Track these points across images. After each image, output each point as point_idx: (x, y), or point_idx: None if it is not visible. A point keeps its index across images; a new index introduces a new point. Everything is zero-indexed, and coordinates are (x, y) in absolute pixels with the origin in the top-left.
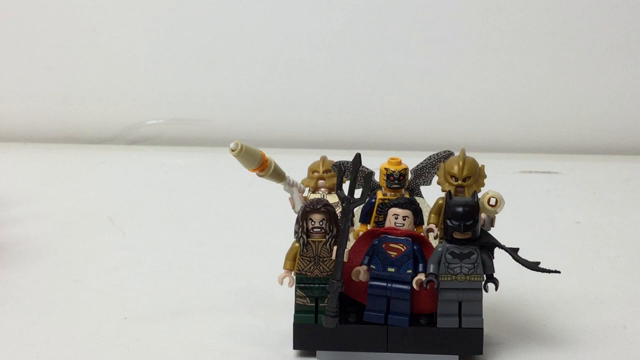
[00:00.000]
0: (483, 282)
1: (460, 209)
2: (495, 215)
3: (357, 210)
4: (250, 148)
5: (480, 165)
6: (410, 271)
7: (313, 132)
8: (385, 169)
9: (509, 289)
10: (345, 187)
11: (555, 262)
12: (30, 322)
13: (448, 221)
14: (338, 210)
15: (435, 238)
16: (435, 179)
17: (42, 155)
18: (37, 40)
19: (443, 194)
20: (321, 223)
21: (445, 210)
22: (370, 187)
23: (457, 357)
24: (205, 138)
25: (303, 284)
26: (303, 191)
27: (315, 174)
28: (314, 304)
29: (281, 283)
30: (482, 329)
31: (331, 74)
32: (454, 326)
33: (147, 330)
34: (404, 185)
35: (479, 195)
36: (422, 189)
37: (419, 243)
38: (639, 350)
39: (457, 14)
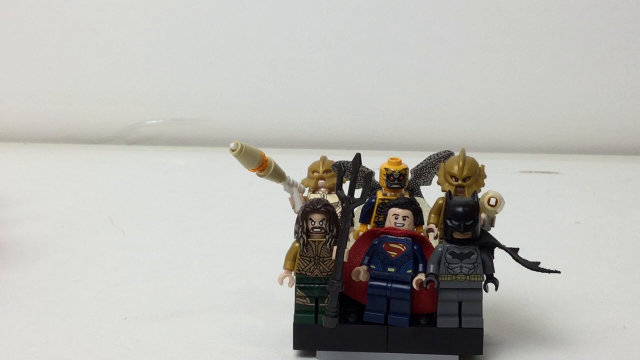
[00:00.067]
0: (483, 282)
1: (460, 209)
2: (495, 215)
3: (357, 210)
4: (250, 148)
5: (480, 165)
6: (410, 271)
7: (313, 132)
8: (385, 169)
9: (509, 289)
10: (345, 187)
11: (555, 262)
12: (30, 322)
13: (448, 221)
14: (338, 210)
15: (435, 238)
16: (435, 179)
17: (42, 155)
18: (37, 40)
19: (443, 194)
20: (321, 223)
21: (445, 210)
22: (370, 187)
23: (457, 357)
24: (205, 138)
25: (303, 284)
26: (303, 191)
27: (315, 174)
28: (314, 304)
29: (281, 283)
30: (482, 329)
31: (331, 74)
32: (454, 326)
33: (147, 330)
34: (404, 185)
35: (479, 195)
36: (422, 189)
37: (419, 243)
38: (639, 350)
39: (457, 14)
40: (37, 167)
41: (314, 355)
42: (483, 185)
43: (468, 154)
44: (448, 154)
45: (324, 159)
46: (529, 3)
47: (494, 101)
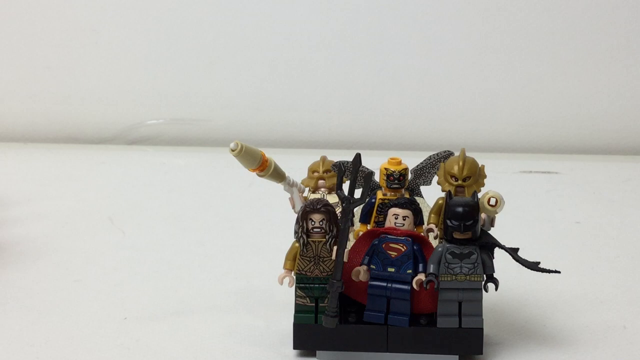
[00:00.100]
0: (483, 282)
1: (460, 209)
2: (495, 215)
3: (357, 210)
4: (250, 148)
5: (480, 165)
6: (410, 271)
7: (313, 132)
8: (385, 169)
9: (509, 289)
10: (345, 187)
11: (555, 262)
12: (30, 322)
13: (448, 221)
14: (338, 210)
15: (435, 238)
16: (435, 179)
17: (42, 155)
18: (37, 40)
19: (443, 194)
20: (321, 223)
21: (445, 210)
22: (370, 187)
23: (457, 357)
24: (205, 138)
25: (303, 284)
26: (303, 191)
27: (315, 174)
28: (314, 304)
29: (281, 283)
30: (482, 329)
31: (331, 74)
32: (454, 326)
33: (147, 330)
34: (404, 185)
35: (479, 195)
36: (422, 189)
37: (419, 243)
38: (639, 350)
39: (457, 14)
40: (37, 167)
41: (314, 355)
42: (483, 185)
43: (468, 154)
44: (448, 154)
45: (324, 159)
46: (529, 3)
47: (494, 101)
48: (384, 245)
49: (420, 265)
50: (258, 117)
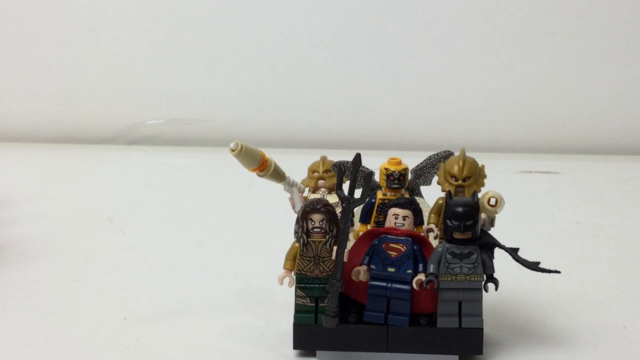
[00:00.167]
0: (483, 282)
1: (460, 209)
2: (495, 215)
3: (357, 210)
4: (250, 148)
5: (480, 165)
6: (410, 271)
7: (313, 132)
8: (385, 169)
9: (509, 289)
10: (345, 187)
11: (555, 262)
12: (30, 322)
13: (448, 221)
14: (338, 210)
15: (435, 238)
16: (435, 179)
17: (42, 155)
18: (37, 40)
19: (443, 194)
20: (321, 223)
21: (445, 210)
22: (370, 187)
23: (457, 357)
24: (205, 138)
25: (303, 284)
26: (303, 191)
27: (315, 174)
28: (314, 304)
29: (281, 283)
30: (482, 329)
31: (331, 74)
32: (454, 326)
33: (147, 330)
34: (404, 185)
35: (479, 195)
36: (422, 189)
37: (419, 243)
38: (639, 350)
39: (457, 14)
40: (37, 167)
41: (314, 355)
42: (483, 185)
43: (468, 154)
44: (448, 154)
45: (324, 159)
46: (529, 3)
47: (494, 101)
48: (384, 245)
49: (420, 265)
50: (258, 117)
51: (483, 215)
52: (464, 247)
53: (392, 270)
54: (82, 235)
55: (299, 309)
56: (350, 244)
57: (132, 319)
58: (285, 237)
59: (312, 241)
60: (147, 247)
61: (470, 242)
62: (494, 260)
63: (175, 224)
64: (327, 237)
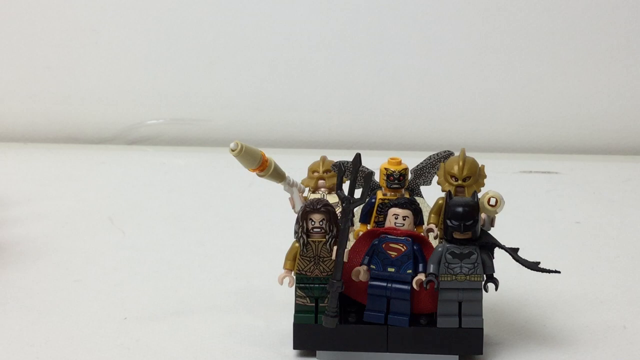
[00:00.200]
0: (483, 282)
1: (460, 209)
2: (495, 215)
3: (357, 210)
4: (250, 148)
5: (480, 165)
6: (410, 271)
7: (313, 132)
8: (385, 169)
9: (509, 289)
10: (345, 187)
11: (555, 262)
12: (30, 322)
13: (448, 221)
14: (338, 210)
15: (435, 238)
16: (435, 179)
17: (42, 155)
18: (37, 40)
19: (443, 194)
20: (321, 223)
21: (445, 210)
22: (370, 187)
23: (457, 357)
24: (205, 138)
25: (303, 284)
26: (303, 191)
27: (315, 174)
28: (314, 304)
29: (281, 283)
30: (482, 329)
31: (331, 74)
32: (454, 326)
33: (147, 330)
34: (404, 185)
35: (479, 195)
36: (422, 189)
37: (419, 243)
38: (639, 350)
39: (457, 14)
40: (37, 167)
41: (314, 355)
42: (483, 185)
43: (468, 154)
44: (448, 154)
45: (324, 159)
46: (529, 3)
47: (494, 101)
48: (384, 245)
49: (420, 265)
50: (258, 117)
51: (483, 215)
52: (464, 247)
53: (392, 270)
54: (82, 235)
55: (299, 309)
56: (350, 244)
57: (132, 319)
58: (285, 237)
59: (312, 241)
60: (147, 247)
61: (470, 242)
62: (494, 260)
63: (175, 224)
64: (327, 237)
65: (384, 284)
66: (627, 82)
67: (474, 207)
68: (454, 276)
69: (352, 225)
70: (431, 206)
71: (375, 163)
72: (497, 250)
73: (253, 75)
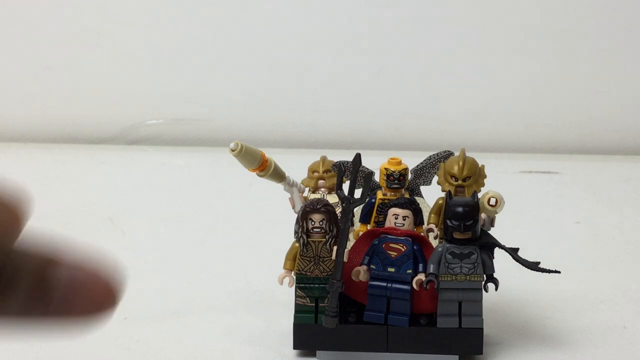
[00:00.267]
0: (483, 282)
1: (460, 209)
2: (495, 215)
3: (357, 210)
4: (250, 148)
5: (480, 165)
6: (410, 271)
7: (313, 132)
8: (385, 169)
9: (509, 289)
10: (345, 187)
11: (555, 262)
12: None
13: (448, 221)
14: (338, 210)
15: (435, 238)
16: (435, 179)
17: (42, 155)
18: (37, 40)
19: (443, 194)
20: (321, 223)
21: (445, 210)
22: (370, 187)
23: (457, 357)
24: (205, 138)
25: (303, 284)
26: (303, 191)
27: (315, 174)
28: (314, 304)
29: (281, 283)
30: (482, 329)
31: (331, 74)
32: (454, 326)
33: (147, 330)
34: (404, 185)
35: (479, 195)
36: (422, 189)
37: (419, 243)
38: (639, 350)
39: (457, 14)
40: (37, 167)
41: (314, 355)
42: (483, 185)
43: (468, 154)
44: (448, 154)
45: (324, 159)
46: (529, 3)
47: (494, 101)
48: (384, 245)
49: (420, 265)
50: (258, 117)
51: (483, 215)
52: (464, 247)
53: (392, 270)
54: (82, 236)
55: (299, 309)
56: (350, 244)
57: (132, 319)
58: (285, 237)
59: (312, 241)
60: (147, 247)
61: (470, 242)
62: (494, 260)
63: (175, 224)
64: (327, 237)
65: (384, 284)
66: (627, 82)
67: (474, 207)
68: (454, 276)
69: (352, 225)
70: (431, 206)
71: (375, 163)
72: (497, 250)
73: (253, 75)
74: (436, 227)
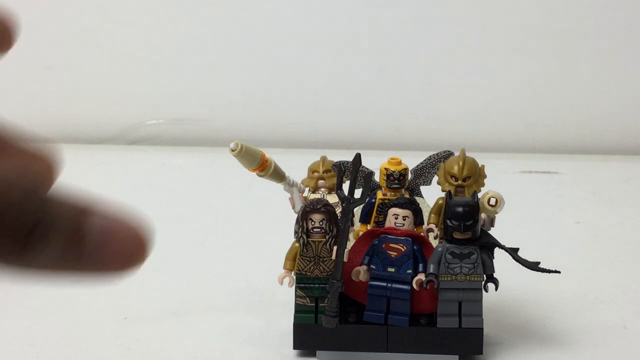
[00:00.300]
0: (483, 282)
1: (460, 209)
2: (495, 215)
3: (357, 210)
4: (250, 148)
5: (480, 165)
6: (410, 271)
7: (313, 132)
8: (385, 169)
9: (509, 289)
10: (345, 187)
11: (555, 262)
12: (30, 322)
13: (448, 221)
14: (338, 210)
15: (435, 238)
16: (435, 179)
17: None
18: (37, 40)
19: (443, 194)
20: (321, 223)
21: (445, 210)
22: (370, 187)
23: (457, 357)
24: (205, 138)
25: (303, 284)
26: (303, 191)
27: (315, 174)
28: (314, 304)
29: (281, 283)
30: (482, 329)
31: (331, 74)
32: (454, 326)
33: (147, 330)
34: (404, 185)
35: (479, 195)
36: (422, 189)
37: (419, 243)
38: (639, 350)
39: (457, 14)
40: None
41: (314, 355)
42: (483, 185)
43: (468, 154)
44: (448, 154)
45: (324, 159)
46: (529, 3)
47: (494, 101)
48: (384, 245)
49: (420, 265)
50: (258, 117)
51: (483, 215)
52: (464, 247)
53: (392, 270)
54: None
55: (299, 309)
56: (350, 244)
57: (132, 319)
58: (285, 237)
59: (312, 241)
60: None
61: (470, 242)
62: (494, 260)
63: (175, 224)
64: (327, 237)
65: (384, 284)
66: (627, 82)
67: (474, 207)
68: (454, 276)
69: (352, 225)
70: (431, 206)
71: (375, 163)
72: (497, 250)
73: (253, 75)
74: (436, 227)
